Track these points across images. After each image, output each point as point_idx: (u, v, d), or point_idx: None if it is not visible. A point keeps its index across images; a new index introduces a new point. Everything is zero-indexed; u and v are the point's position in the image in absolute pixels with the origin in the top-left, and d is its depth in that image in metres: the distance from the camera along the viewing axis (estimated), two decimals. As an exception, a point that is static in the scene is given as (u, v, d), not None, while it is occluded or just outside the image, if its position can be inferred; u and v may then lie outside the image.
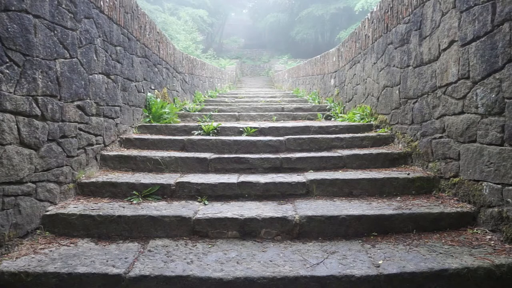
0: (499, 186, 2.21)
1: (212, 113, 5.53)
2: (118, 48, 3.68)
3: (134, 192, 2.82)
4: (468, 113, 2.50)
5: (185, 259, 2.05)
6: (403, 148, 3.54)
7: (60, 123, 2.58)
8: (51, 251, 2.12)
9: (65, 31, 2.63)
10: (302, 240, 2.33)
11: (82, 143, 2.93)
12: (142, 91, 4.54)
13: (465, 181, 2.57)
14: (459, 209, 2.48)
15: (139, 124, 4.37)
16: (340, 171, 3.25)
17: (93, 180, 2.88)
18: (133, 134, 4.08)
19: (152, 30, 4.96)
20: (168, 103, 5.32)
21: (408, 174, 3.01)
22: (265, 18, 27.59)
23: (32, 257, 2.02)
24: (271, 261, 2.03)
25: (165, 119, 4.70)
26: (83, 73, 2.93)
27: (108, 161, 3.32)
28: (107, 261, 2.00)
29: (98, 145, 3.25)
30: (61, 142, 2.61)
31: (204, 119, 5.08)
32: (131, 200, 2.74)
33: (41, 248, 2.14)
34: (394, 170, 3.23)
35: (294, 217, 2.39)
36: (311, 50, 22.54)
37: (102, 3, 3.28)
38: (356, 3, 18.48)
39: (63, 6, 2.60)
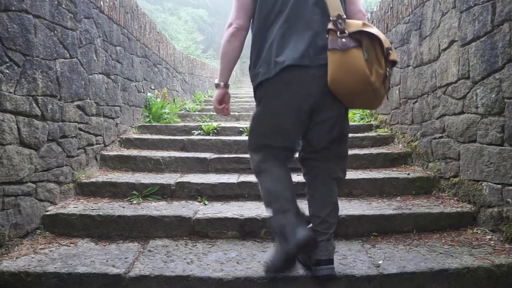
0: (499, 186, 2.21)
1: (212, 113, 5.53)
2: (118, 48, 3.68)
3: (134, 192, 2.82)
4: (468, 113, 2.50)
5: (185, 259, 2.05)
6: (403, 148, 3.54)
7: (60, 123, 2.58)
8: (51, 251, 2.12)
9: (65, 31, 2.63)
10: (302, 240, 2.33)
11: (82, 143, 2.93)
12: (142, 91, 4.54)
13: (465, 181, 2.57)
14: (459, 209, 2.48)
15: (139, 124, 4.37)
16: (340, 171, 3.25)
17: (93, 180, 2.88)
18: (133, 134, 4.08)
19: (152, 30, 4.96)
20: (168, 103, 5.32)
21: (408, 174, 3.01)
22: (265, 18, 27.47)
23: (32, 257, 2.02)
24: (271, 261, 2.02)
25: (165, 119, 4.70)
26: (83, 73, 2.93)
27: (108, 161, 3.32)
28: (107, 261, 2.00)
29: (98, 145, 3.25)
30: (61, 142, 2.61)
31: (204, 119, 5.08)
32: (131, 200, 2.74)
33: (41, 248, 2.14)
34: (394, 170, 3.23)
35: (294, 217, 2.38)
36: (311, 50, 22.47)
37: (102, 3, 3.28)
38: (356, 3, 18.45)
39: (63, 6, 2.60)
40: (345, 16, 1.61)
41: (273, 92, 1.69)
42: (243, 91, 11.03)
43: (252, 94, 1.98)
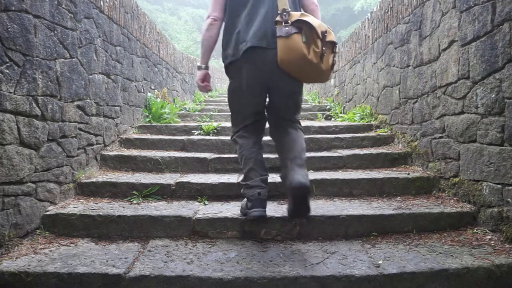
0: (499, 186, 2.21)
1: (212, 113, 5.53)
2: (118, 48, 3.68)
3: (134, 192, 2.82)
4: (468, 113, 2.51)
5: (185, 259, 2.05)
6: (403, 148, 3.54)
7: (60, 123, 2.58)
8: (51, 251, 2.12)
9: (65, 31, 2.63)
10: (302, 240, 2.33)
11: (82, 143, 2.93)
12: (142, 91, 4.54)
13: (465, 181, 2.57)
14: (459, 209, 2.48)
15: (139, 124, 4.37)
16: (340, 171, 3.25)
17: (93, 180, 2.88)
18: (133, 134, 4.08)
19: (152, 30, 4.96)
20: (168, 103, 5.32)
21: (408, 174, 3.01)
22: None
23: (32, 257, 2.02)
24: (271, 261, 2.03)
25: (165, 119, 4.70)
26: (83, 73, 2.93)
27: (108, 161, 3.32)
28: (107, 261, 2.00)
29: (98, 145, 3.25)
30: (61, 142, 2.61)
31: (204, 119, 5.08)
32: (131, 200, 2.74)
33: (41, 248, 2.14)
34: (394, 170, 3.23)
35: (294, 217, 2.38)
36: (311, 50, 22.48)
37: (102, 3, 3.28)
38: (356, 3, 18.48)
39: (63, 6, 2.60)
40: (289, 10, 2.04)
41: (242, 69, 2.16)
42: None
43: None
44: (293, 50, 1.98)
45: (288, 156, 2.18)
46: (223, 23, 2.27)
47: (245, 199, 2.35)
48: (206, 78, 2.39)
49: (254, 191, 2.24)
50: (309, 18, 2.03)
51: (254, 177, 2.29)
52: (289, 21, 1.99)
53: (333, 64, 2.15)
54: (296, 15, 2.03)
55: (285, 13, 2.01)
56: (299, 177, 2.05)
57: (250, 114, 2.32)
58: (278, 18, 2.02)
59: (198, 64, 2.36)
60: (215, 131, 4.25)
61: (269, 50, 2.06)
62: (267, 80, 2.15)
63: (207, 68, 2.38)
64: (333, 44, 2.12)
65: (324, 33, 2.05)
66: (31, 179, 2.27)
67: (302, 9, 2.32)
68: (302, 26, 2.00)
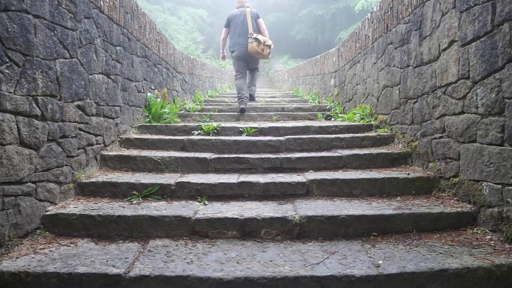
0: (499, 186, 2.21)
1: (212, 113, 5.53)
2: (118, 48, 3.68)
3: (134, 192, 2.82)
4: (468, 113, 2.51)
5: (185, 259, 2.05)
6: (403, 148, 3.54)
7: (60, 123, 2.58)
8: (51, 251, 2.12)
9: (65, 31, 2.63)
10: (302, 240, 2.33)
11: (82, 143, 2.93)
12: (142, 91, 4.54)
13: (465, 181, 2.57)
14: (459, 209, 2.48)
15: (139, 124, 4.37)
16: (340, 171, 3.25)
17: (93, 180, 2.88)
18: (133, 134, 4.08)
19: (152, 30, 4.96)
20: (168, 103, 5.31)
21: (408, 174, 3.01)
22: (265, 18, 27.40)
23: (32, 257, 2.02)
24: (271, 261, 2.03)
25: (165, 119, 4.70)
26: (83, 73, 2.93)
27: (108, 161, 3.32)
28: (107, 261, 2.01)
29: (98, 145, 3.25)
30: (61, 142, 2.61)
31: (204, 119, 5.07)
32: (131, 200, 2.74)
33: (41, 248, 2.14)
34: (394, 170, 3.23)
35: (294, 217, 2.39)
36: (311, 50, 22.51)
37: (102, 3, 3.28)
38: (356, 3, 18.48)
39: (63, 6, 2.60)
40: (252, 33, 6.15)
41: (236, 54, 6.39)
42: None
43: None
44: (253, 47, 6.01)
45: (250, 82, 6.75)
46: (228, 37, 6.55)
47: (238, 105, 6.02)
48: (224, 56, 7.06)
49: (241, 99, 5.80)
50: (259, 36, 6.03)
51: (243, 92, 5.91)
52: (252, 37, 6.02)
53: (268, 53, 6.13)
54: (254, 34, 6.05)
55: (250, 34, 6.06)
56: (250, 90, 6.66)
57: (240, 68, 6.27)
58: (248, 35, 6.06)
59: (220, 51, 7.09)
60: (215, 131, 4.25)
61: (245, 47, 6.15)
62: (245, 57, 6.25)
63: (223, 53, 7.03)
64: (269, 45, 6.04)
65: (264, 41, 6.00)
66: (31, 179, 2.27)
67: (260, 31, 6.31)
68: (256, 39, 5.99)
